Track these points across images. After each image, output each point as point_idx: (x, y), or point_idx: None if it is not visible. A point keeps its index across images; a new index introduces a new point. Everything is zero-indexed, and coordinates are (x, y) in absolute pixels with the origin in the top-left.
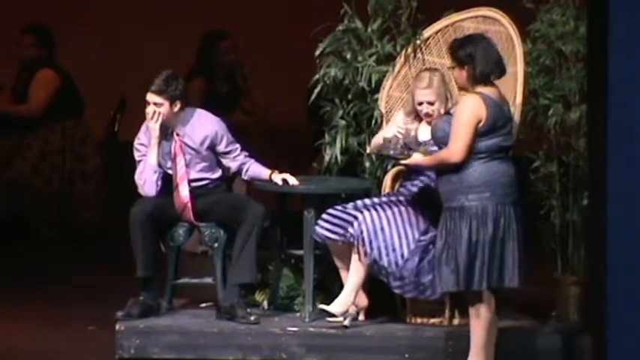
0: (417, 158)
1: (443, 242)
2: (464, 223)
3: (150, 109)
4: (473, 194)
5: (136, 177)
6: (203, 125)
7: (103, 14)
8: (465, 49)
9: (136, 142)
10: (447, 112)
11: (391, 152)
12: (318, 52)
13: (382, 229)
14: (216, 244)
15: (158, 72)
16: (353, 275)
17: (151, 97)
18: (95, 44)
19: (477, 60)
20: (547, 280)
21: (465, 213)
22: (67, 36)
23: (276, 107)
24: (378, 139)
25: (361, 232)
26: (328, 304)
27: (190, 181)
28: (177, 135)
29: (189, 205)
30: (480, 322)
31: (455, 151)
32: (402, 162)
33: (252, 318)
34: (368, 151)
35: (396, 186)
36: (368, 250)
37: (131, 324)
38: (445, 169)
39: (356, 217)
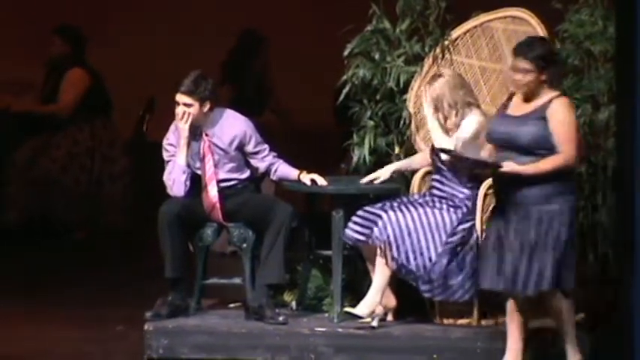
0: (515, 166)
1: (522, 244)
2: (550, 224)
3: (180, 110)
4: (561, 196)
5: (165, 177)
6: (232, 125)
7: (132, 15)
8: (542, 52)
9: (164, 143)
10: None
11: (471, 156)
12: (346, 53)
13: (409, 232)
14: (244, 245)
15: (187, 72)
16: (378, 276)
17: (180, 97)
18: (124, 44)
19: (553, 63)
20: (576, 281)
21: (555, 214)
22: (97, 36)
23: (304, 108)
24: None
25: (387, 237)
26: (354, 305)
27: (219, 181)
28: (207, 135)
29: (218, 205)
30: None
31: (571, 154)
32: (503, 170)
33: (281, 318)
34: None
35: (424, 187)
36: (395, 254)
37: (160, 324)
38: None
39: (380, 217)
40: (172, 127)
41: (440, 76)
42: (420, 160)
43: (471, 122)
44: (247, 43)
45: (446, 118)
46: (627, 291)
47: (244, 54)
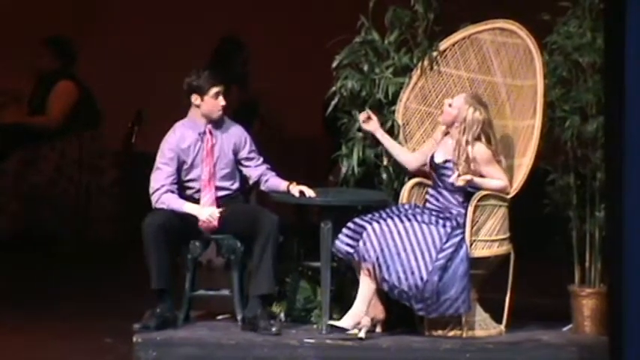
0: None
1: None
2: None
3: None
4: None
5: (157, 197)
6: (228, 128)
7: (119, 26)
8: None
9: (163, 145)
10: None
11: None
12: (335, 64)
13: (398, 252)
14: (233, 256)
15: (174, 85)
16: (363, 286)
17: (219, 88)
18: (112, 56)
19: None
20: (564, 292)
21: None
22: (84, 48)
23: (292, 119)
24: None
25: (377, 258)
26: (342, 316)
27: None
28: (211, 134)
29: (215, 206)
30: None
31: None
32: None
33: (274, 329)
34: None
35: (413, 198)
36: (385, 276)
37: (148, 336)
38: None
39: (366, 229)
40: (178, 132)
41: (485, 106)
42: (407, 158)
43: (483, 152)
44: (229, 50)
45: (456, 141)
46: (617, 303)
47: (226, 61)
